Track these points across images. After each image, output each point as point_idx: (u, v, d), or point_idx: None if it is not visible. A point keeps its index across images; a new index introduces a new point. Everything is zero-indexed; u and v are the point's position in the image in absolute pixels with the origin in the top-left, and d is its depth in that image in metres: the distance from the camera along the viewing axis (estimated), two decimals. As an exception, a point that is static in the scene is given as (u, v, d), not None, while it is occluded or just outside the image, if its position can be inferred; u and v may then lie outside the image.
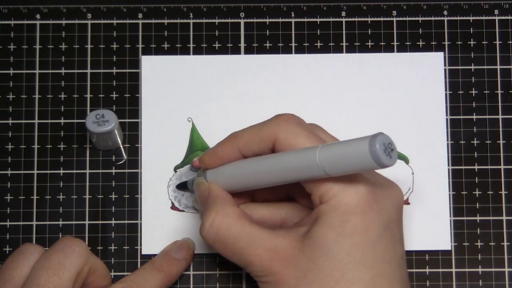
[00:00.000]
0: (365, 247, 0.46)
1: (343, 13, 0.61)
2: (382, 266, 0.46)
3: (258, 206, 0.53)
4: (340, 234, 0.46)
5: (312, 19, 0.61)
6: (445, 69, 0.60)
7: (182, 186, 0.57)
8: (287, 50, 0.60)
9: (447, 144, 0.59)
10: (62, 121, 0.59)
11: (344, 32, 0.60)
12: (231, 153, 0.51)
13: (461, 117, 0.59)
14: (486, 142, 0.59)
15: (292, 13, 0.61)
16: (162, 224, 0.58)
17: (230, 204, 0.50)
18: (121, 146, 0.59)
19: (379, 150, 0.42)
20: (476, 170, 0.59)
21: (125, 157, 0.59)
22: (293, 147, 0.48)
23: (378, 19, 0.61)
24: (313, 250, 0.46)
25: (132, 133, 0.59)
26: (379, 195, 0.47)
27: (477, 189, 0.58)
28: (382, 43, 0.60)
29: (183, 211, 0.58)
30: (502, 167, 0.59)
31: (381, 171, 0.46)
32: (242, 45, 0.60)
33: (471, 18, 0.61)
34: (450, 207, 0.58)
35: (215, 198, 0.51)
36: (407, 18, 0.61)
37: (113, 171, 0.59)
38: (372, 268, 0.46)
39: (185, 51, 0.60)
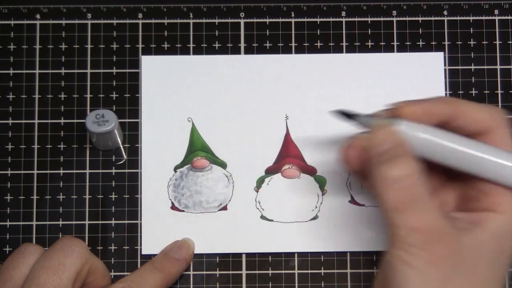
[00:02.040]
0: (508, 269, 0.46)
1: (343, 13, 0.61)
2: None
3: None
4: (503, 252, 0.46)
5: (312, 19, 0.61)
6: (445, 69, 0.60)
7: (345, 115, 0.51)
8: (287, 50, 0.60)
9: (447, 144, 0.59)
10: (62, 121, 0.59)
11: (344, 32, 0.60)
12: (439, 114, 0.48)
13: (461, 117, 0.59)
14: (486, 142, 0.59)
15: (292, 13, 0.61)
16: (162, 224, 0.58)
17: (418, 162, 0.47)
18: (121, 146, 0.59)
19: None
20: (476, 170, 0.59)
21: (125, 157, 0.59)
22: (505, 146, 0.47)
23: (378, 19, 0.61)
24: (472, 253, 0.45)
25: (132, 133, 0.59)
26: None
27: (477, 189, 0.58)
28: (382, 43, 0.60)
29: (183, 211, 0.58)
30: None
31: None
32: (242, 45, 0.60)
33: (471, 18, 0.61)
34: (450, 207, 0.58)
35: (405, 149, 0.47)
36: (407, 18, 0.61)
37: (113, 171, 0.59)
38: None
39: (185, 51, 0.60)
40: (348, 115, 0.51)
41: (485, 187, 0.47)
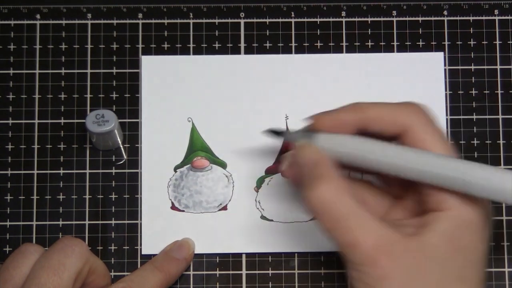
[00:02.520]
0: (477, 265, 0.45)
1: (343, 13, 0.61)
2: (481, 286, 0.45)
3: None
4: (456, 249, 0.44)
5: (312, 19, 0.61)
6: (445, 69, 0.60)
7: (273, 133, 0.52)
8: (287, 50, 0.60)
9: (447, 144, 0.59)
10: (62, 121, 0.59)
11: (344, 32, 0.60)
12: (351, 123, 0.47)
13: (461, 117, 0.59)
14: (486, 142, 0.59)
15: (292, 13, 0.61)
16: (162, 224, 0.58)
17: (341, 177, 0.46)
18: (121, 146, 0.59)
19: None
20: (476, 170, 0.59)
21: (125, 157, 0.59)
22: (427, 148, 0.45)
23: (378, 19, 0.61)
24: (423, 256, 0.44)
25: (132, 133, 0.59)
26: (489, 213, 0.46)
27: (477, 189, 0.58)
28: (382, 43, 0.60)
29: (183, 211, 0.58)
30: (502, 167, 0.59)
31: None
32: (242, 45, 0.60)
33: (471, 18, 0.61)
34: (450, 207, 0.58)
35: (326, 167, 0.46)
36: (407, 18, 0.61)
37: (113, 171, 0.59)
38: (477, 286, 0.45)
39: (185, 51, 0.60)
40: (276, 133, 0.51)
41: (428, 188, 0.45)
